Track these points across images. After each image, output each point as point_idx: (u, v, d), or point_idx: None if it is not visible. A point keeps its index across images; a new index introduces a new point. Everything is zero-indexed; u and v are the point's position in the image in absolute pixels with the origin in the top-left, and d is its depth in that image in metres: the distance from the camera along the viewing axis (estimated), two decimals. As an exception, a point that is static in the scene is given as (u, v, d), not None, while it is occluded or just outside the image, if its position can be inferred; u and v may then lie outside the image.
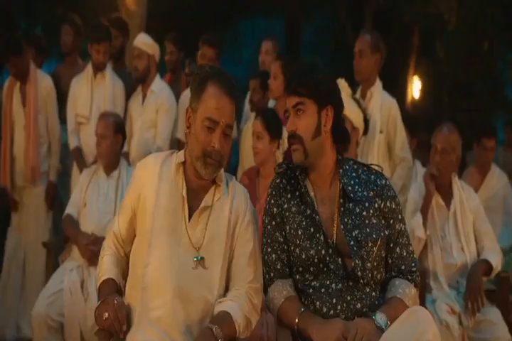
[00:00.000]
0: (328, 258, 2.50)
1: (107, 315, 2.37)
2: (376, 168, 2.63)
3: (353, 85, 4.24)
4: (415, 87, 11.34)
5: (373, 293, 2.52)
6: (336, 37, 13.08)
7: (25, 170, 5.15)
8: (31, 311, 3.94)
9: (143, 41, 5.26)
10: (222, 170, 2.60)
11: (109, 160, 4.31)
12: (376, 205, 2.54)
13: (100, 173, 4.33)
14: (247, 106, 5.40)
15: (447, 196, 4.01)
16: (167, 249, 2.46)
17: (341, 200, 2.54)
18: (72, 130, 5.17)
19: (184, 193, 2.51)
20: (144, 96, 5.20)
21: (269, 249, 2.60)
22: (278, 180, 2.64)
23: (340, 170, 2.56)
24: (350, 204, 2.53)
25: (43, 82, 5.26)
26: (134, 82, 5.31)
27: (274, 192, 2.62)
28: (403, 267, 2.58)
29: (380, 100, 4.51)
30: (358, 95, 4.48)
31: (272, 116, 4.08)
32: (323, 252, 2.50)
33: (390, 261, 2.58)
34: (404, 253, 2.58)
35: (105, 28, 5.32)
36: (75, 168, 5.13)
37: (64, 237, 4.30)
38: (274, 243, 2.59)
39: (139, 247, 2.54)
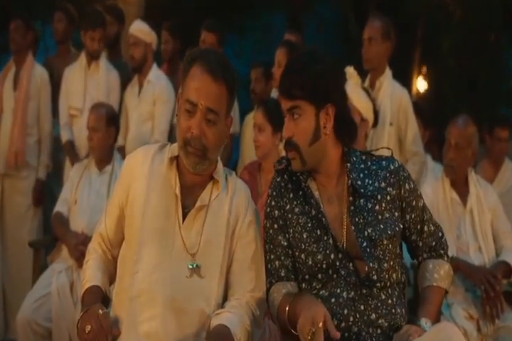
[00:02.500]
0: (338, 263, 2.24)
1: (89, 327, 2.10)
2: (386, 151, 2.39)
3: (360, 75, 3.98)
4: (419, 79, 11.14)
5: (389, 301, 2.26)
6: (339, 29, 12.86)
7: (9, 155, 4.91)
8: (16, 316, 3.72)
9: (139, 28, 5.01)
10: (220, 164, 2.33)
11: (102, 154, 4.10)
12: (388, 197, 2.29)
13: (92, 168, 4.13)
14: None
15: (463, 192, 3.74)
16: (158, 255, 2.19)
17: (350, 198, 2.28)
18: (65, 123, 4.95)
19: (177, 191, 2.24)
20: (141, 86, 4.97)
21: (271, 256, 2.33)
22: (278, 179, 2.38)
23: (348, 164, 2.31)
24: (361, 201, 2.28)
25: (37, 70, 5.06)
26: (130, 72, 5.08)
27: (274, 193, 2.36)
28: (433, 243, 2.39)
29: (390, 90, 4.26)
30: (366, 85, 4.23)
31: (274, 106, 3.83)
32: (332, 256, 2.24)
33: (420, 243, 2.38)
34: (432, 228, 2.39)
35: (99, 13, 5.11)
36: (68, 163, 4.90)
37: (53, 236, 4.08)
38: (276, 248, 2.32)
39: (126, 252, 2.27)
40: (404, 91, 4.36)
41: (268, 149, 3.74)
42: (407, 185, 2.33)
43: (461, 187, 3.75)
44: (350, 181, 2.28)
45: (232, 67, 2.26)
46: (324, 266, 2.24)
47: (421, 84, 11.14)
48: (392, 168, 2.33)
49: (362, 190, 2.27)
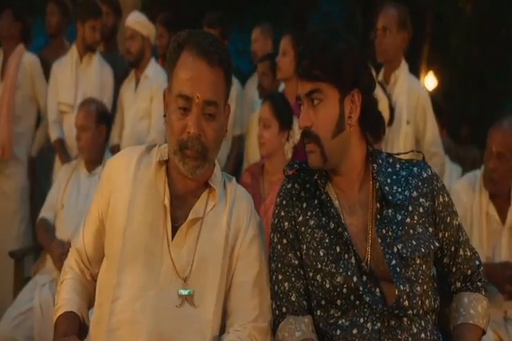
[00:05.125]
0: (361, 288, 1.87)
1: (61, 364, 1.76)
2: (416, 156, 2.05)
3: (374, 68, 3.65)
4: (428, 77, 10.87)
5: (422, 335, 1.90)
6: (345, 26, 12.62)
7: None
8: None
9: (136, 20, 4.76)
10: (218, 168, 1.98)
11: (92, 154, 3.82)
12: (421, 209, 1.94)
13: (81, 170, 3.85)
14: (253, 92, 4.86)
15: (503, 207, 3.22)
16: (141, 279, 1.84)
17: (377, 205, 1.92)
18: (54, 120, 4.67)
19: (166, 201, 1.89)
20: (137, 82, 4.71)
21: (279, 277, 1.97)
22: (289, 186, 2.02)
23: (374, 165, 1.95)
24: (389, 211, 1.92)
25: (27, 58, 4.82)
26: (126, 67, 4.84)
27: (284, 202, 2.01)
28: (469, 272, 2.05)
29: (406, 85, 3.93)
30: (380, 79, 3.90)
31: (281, 101, 3.60)
32: (354, 279, 1.87)
33: (454, 269, 2.03)
34: (469, 253, 2.05)
35: (95, 3, 4.84)
36: (58, 163, 4.59)
37: (37, 245, 3.82)
38: (286, 268, 1.96)
39: (106, 274, 1.93)
40: (422, 86, 4.08)
41: (273, 147, 3.50)
42: (441, 197, 1.99)
43: (501, 201, 3.24)
44: (378, 184, 1.93)
45: (225, 45, 1.93)
46: (345, 290, 1.88)
47: (429, 82, 10.86)
48: (424, 175, 1.98)
49: (390, 198, 1.92)
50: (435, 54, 11.38)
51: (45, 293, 3.50)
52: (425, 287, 1.92)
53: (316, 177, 1.97)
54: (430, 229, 1.95)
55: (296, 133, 3.61)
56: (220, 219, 1.92)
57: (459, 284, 2.04)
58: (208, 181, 1.93)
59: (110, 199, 1.94)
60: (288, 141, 3.55)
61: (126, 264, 1.85)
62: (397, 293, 1.85)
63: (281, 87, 4.39)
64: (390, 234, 1.90)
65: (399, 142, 3.84)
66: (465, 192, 3.29)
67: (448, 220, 1.99)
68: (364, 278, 1.88)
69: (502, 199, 3.23)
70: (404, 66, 3.98)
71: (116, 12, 5.26)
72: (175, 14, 5.62)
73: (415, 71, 10.82)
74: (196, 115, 1.83)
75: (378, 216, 1.92)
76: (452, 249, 2.02)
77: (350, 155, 1.94)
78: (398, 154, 2.04)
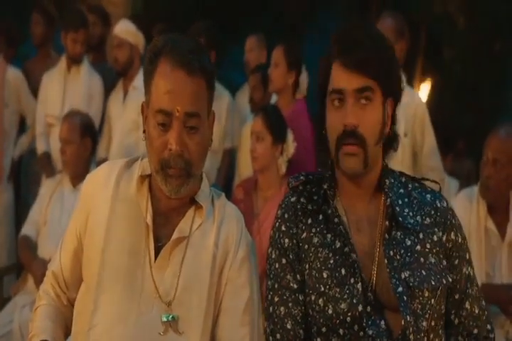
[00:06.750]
0: (365, 320, 1.69)
1: None
2: (432, 185, 1.85)
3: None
4: (422, 89, 10.81)
5: None
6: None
7: None
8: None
9: (124, 29, 4.62)
10: (206, 183, 1.82)
11: (76, 169, 3.69)
12: (435, 238, 1.77)
13: (65, 184, 3.73)
14: (244, 104, 4.75)
15: (502, 221, 3.12)
16: (121, 304, 1.69)
17: (386, 223, 1.75)
18: (41, 132, 4.57)
19: (149, 219, 1.74)
20: (125, 93, 4.57)
21: (275, 298, 1.80)
22: (293, 199, 1.84)
23: (386, 181, 1.78)
24: (398, 233, 1.75)
25: (10, 74, 4.69)
26: (115, 78, 4.69)
27: (286, 215, 1.82)
28: (476, 331, 1.81)
29: (403, 97, 3.76)
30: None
31: (274, 113, 3.52)
32: (359, 308, 1.69)
33: (456, 321, 1.81)
34: (477, 311, 1.81)
35: (81, 13, 4.74)
36: (44, 178, 4.40)
37: (19, 264, 3.69)
38: (283, 290, 1.79)
39: (83, 299, 1.77)
40: (420, 98, 3.98)
41: (266, 162, 3.42)
42: (453, 234, 1.80)
43: (500, 214, 3.14)
44: (389, 201, 1.76)
45: (206, 49, 1.78)
46: (348, 319, 1.71)
47: (423, 95, 10.79)
48: (438, 205, 1.80)
49: (400, 219, 1.75)
50: (429, 67, 11.32)
51: (26, 314, 3.34)
52: (433, 323, 1.74)
53: (325, 187, 1.80)
54: (444, 261, 1.77)
55: (290, 147, 3.50)
56: (208, 239, 1.76)
57: (461, 339, 1.83)
58: (195, 197, 1.78)
59: (88, 218, 1.79)
60: (282, 155, 3.45)
61: (104, 288, 1.70)
62: (403, 323, 1.68)
63: (273, 99, 4.27)
64: (397, 257, 1.73)
65: (396, 155, 3.66)
66: (463, 207, 3.18)
67: (456, 263, 1.80)
68: (368, 308, 1.70)
69: (500, 213, 3.14)
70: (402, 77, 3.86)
71: (105, 22, 5.15)
72: (173, 24, 5.49)
73: (409, 83, 10.80)
74: (177, 130, 1.67)
75: (386, 235, 1.75)
76: (456, 297, 1.80)
77: (376, 166, 1.78)
78: (413, 178, 1.87)
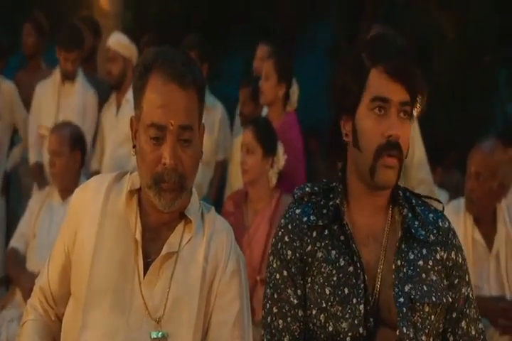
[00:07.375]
0: (365, 340, 1.68)
1: None
2: (436, 204, 1.84)
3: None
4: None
5: None
6: (330, 49, 12.59)
7: None
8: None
9: (117, 41, 4.64)
10: (195, 197, 1.81)
11: (65, 181, 3.67)
12: (438, 256, 1.76)
13: (54, 197, 3.71)
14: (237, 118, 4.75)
15: (489, 232, 3.13)
16: (109, 321, 1.67)
17: (400, 233, 1.73)
18: (34, 143, 4.57)
19: (138, 234, 1.72)
20: (119, 106, 4.58)
21: (274, 309, 1.77)
22: (298, 211, 1.79)
23: (400, 193, 1.77)
24: (403, 246, 1.74)
25: (3, 86, 4.68)
26: (106, 90, 4.70)
27: (289, 226, 1.78)
28: None
29: None
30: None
31: (265, 125, 3.52)
32: (360, 330, 1.67)
33: (451, 339, 1.79)
34: (473, 332, 1.78)
35: (78, 31, 4.68)
36: (36, 189, 4.43)
37: (6, 277, 3.69)
38: (283, 303, 1.76)
39: (71, 315, 1.75)
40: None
41: (257, 174, 3.41)
42: (453, 254, 1.79)
43: (486, 226, 3.15)
44: (405, 210, 1.74)
45: (196, 62, 1.77)
46: (349, 339, 1.68)
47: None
48: (441, 224, 1.80)
49: (413, 231, 1.74)
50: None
51: (13, 329, 3.30)
52: (431, 339, 1.72)
53: (338, 202, 1.76)
54: (445, 281, 1.76)
55: (281, 159, 3.49)
56: (197, 254, 1.75)
57: None
58: (184, 211, 1.77)
59: (77, 233, 1.77)
60: (272, 168, 3.45)
61: (92, 304, 1.68)
62: (398, 334, 1.66)
63: (264, 111, 4.27)
64: (403, 269, 1.72)
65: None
66: (450, 218, 3.15)
67: (456, 282, 1.78)
68: (365, 332, 1.68)
69: (487, 225, 3.15)
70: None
71: (96, 33, 5.18)
72: (160, 36, 5.49)
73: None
74: (171, 144, 1.66)
75: (402, 245, 1.72)
76: (454, 316, 1.78)
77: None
78: (418, 195, 1.85)
